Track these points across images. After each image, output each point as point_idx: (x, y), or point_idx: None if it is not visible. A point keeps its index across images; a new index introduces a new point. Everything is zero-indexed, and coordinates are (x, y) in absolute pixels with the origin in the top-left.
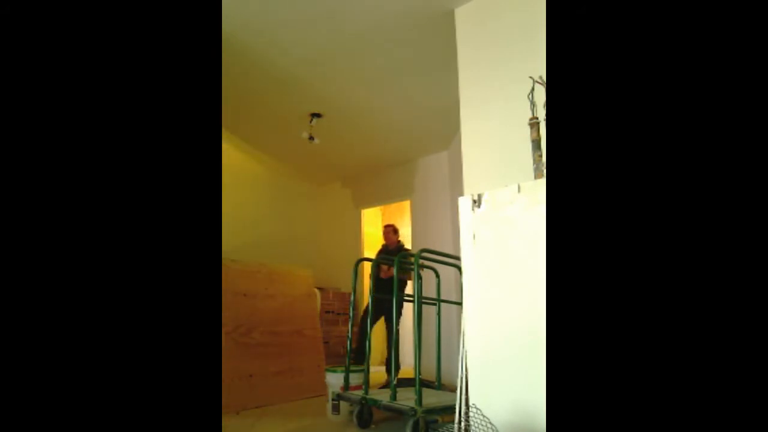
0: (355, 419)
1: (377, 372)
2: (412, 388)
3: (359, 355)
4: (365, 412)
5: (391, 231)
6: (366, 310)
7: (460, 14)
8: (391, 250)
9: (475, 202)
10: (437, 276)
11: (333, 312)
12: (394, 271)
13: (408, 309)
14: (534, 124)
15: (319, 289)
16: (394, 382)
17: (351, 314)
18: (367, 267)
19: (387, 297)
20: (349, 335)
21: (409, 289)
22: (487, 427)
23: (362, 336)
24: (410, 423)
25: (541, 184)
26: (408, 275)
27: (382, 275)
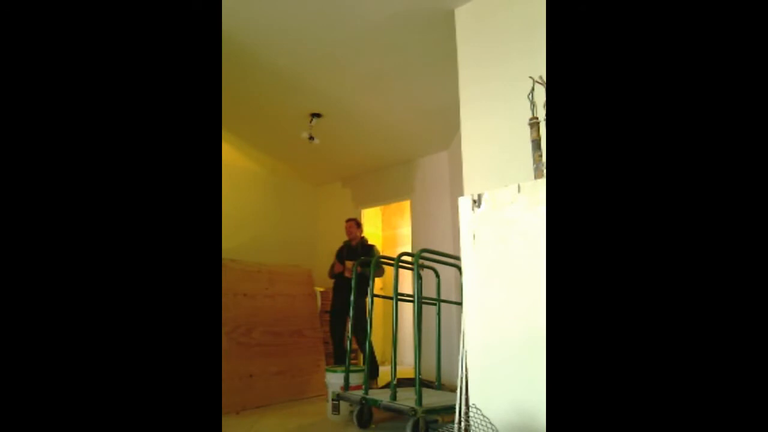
0: (355, 419)
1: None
2: (412, 388)
3: (338, 356)
4: (365, 412)
5: (353, 225)
6: (332, 312)
7: (460, 14)
8: (354, 247)
9: (475, 202)
10: (437, 276)
11: None
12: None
13: (407, 308)
14: (534, 124)
15: (319, 289)
16: (394, 383)
17: (350, 314)
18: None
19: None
20: (349, 335)
21: (409, 289)
22: (487, 427)
23: (334, 338)
24: (410, 423)
25: (541, 184)
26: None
27: (347, 274)
